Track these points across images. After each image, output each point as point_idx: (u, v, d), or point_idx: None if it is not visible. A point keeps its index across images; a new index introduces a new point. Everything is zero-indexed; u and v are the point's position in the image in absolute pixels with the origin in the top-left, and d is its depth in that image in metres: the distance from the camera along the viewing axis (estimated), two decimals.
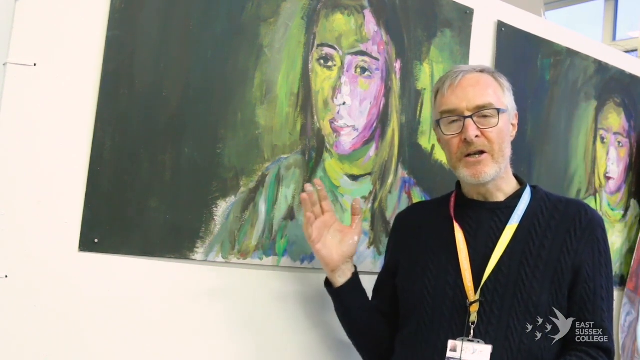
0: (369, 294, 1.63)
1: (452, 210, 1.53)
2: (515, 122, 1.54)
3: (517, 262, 1.42)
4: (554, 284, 1.41)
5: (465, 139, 1.44)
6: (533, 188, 1.55)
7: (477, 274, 1.43)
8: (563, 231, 1.45)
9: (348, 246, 1.57)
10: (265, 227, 1.61)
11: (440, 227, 1.53)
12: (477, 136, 1.43)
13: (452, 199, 1.56)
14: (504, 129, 1.46)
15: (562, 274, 1.42)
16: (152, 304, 1.45)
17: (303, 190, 1.59)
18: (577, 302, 1.43)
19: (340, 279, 1.56)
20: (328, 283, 1.59)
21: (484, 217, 1.49)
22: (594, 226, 1.47)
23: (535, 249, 1.43)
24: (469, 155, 1.45)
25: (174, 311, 1.48)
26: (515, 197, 1.50)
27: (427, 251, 1.53)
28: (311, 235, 1.54)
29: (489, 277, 1.42)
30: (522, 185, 1.54)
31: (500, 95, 1.49)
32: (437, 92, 1.53)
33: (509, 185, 1.52)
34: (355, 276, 1.59)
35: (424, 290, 1.48)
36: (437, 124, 1.51)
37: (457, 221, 1.51)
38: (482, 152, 1.44)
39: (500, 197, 1.51)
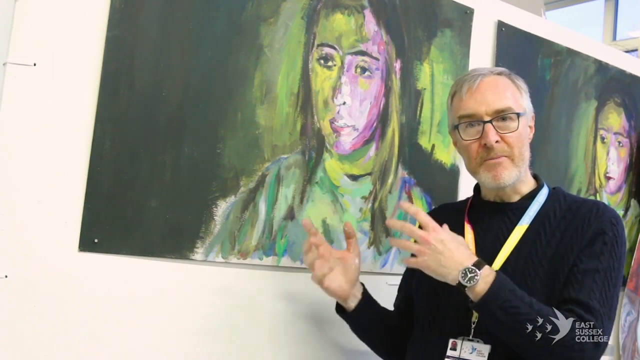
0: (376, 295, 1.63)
1: (466, 212, 1.54)
2: (532, 123, 1.52)
3: (522, 262, 1.40)
4: (556, 281, 1.37)
5: (485, 144, 1.42)
6: (553, 189, 1.52)
7: None
8: (572, 230, 1.41)
9: (352, 271, 1.53)
10: (265, 227, 1.61)
11: (454, 229, 1.51)
12: (497, 141, 1.42)
13: (469, 201, 1.57)
14: (522, 132, 1.45)
15: (562, 270, 1.37)
16: (152, 304, 1.45)
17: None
18: (564, 283, 1.36)
19: (352, 303, 1.54)
20: (339, 308, 1.57)
21: (495, 218, 1.48)
22: (603, 220, 1.40)
23: (541, 249, 1.41)
24: (489, 159, 1.44)
25: (173, 311, 1.48)
26: (529, 197, 1.49)
27: None
28: (315, 276, 1.50)
29: None
30: (539, 185, 1.52)
31: (518, 97, 1.47)
32: (453, 96, 1.50)
33: (526, 187, 1.50)
34: (365, 294, 1.57)
35: (431, 290, 1.49)
36: (454, 128, 1.49)
37: (469, 222, 1.51)
38: (501, 156, 1.43)
39: (516, 199, 1.49)
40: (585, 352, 1.29)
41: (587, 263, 1.36)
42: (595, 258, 1.37)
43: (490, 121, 1.42)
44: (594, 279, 1.35)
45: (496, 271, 1.33)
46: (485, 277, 1.30)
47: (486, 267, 1.32)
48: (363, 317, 1.56)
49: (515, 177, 1.44)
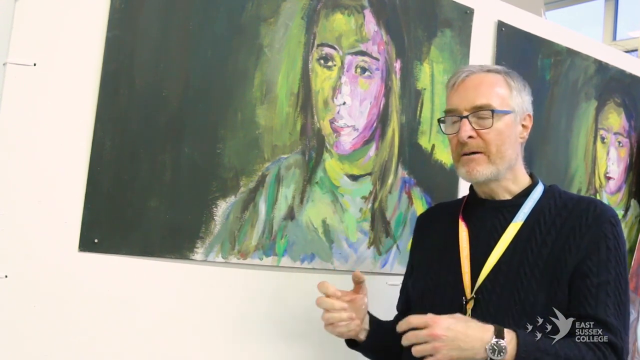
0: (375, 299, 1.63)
1: (461, 210, 1.54)
2: (528, 123, 1.51)
3: (517, 260, 1.40)
4: (554, 282, 1.37)
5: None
6: (548, 187, 1.52)
7: (476, 272, 1.42)
8: (568, 228, 1.40)
9: (362, 310, 1.51)
10: (265, 227, 1.61)
11: (448, 227, 1.53)
12: (470, 137, 1.43)
13: (465, 199, 1.57)
14: (503, 130, 1.44)
15: (561, 272, 1.37)
16: (152, 304, 1.46)
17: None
18: (577, 297, 1.34)
19: (362, 336, 1.53)
20: (350, 342, 1.55)
21: (489, 215, 1.48)
22: (602, 221, 1.39)
23: (537, 247, 1.40)
24: (463, 154, 1.45)
25: (173, 311, 1.48)
26: (524, 195, 1.48)
27: (434, 250, 1.54)
28: (333, 333, 1.49)
29: (488, 275, 1.41)
30: (533, 183, 1.51)
31: (506, 96, 1.47)
32: (447, 91, 1.53)
33: (518, 185, 1.50)
34: (373, 323, 1.55)
35: (425, 288, 1.50)
36: (441, 122, 1.52)
37: (463, 220, 1.51)
38: (476, 152, 1.44)
39: (508, 197, 1.49)
40: None
41: (597, 276, 1.35)
42: (604, 268, 1.36)
43: (466, 116, 1.44)
44: (607, 293, 1.34)
45: (516, 331, 1.30)
46: (510, 343, 1.28)
47: (505, 331, 1.29)
48: (374, 344, 1.55)
49: (490, 174, 1.44)
